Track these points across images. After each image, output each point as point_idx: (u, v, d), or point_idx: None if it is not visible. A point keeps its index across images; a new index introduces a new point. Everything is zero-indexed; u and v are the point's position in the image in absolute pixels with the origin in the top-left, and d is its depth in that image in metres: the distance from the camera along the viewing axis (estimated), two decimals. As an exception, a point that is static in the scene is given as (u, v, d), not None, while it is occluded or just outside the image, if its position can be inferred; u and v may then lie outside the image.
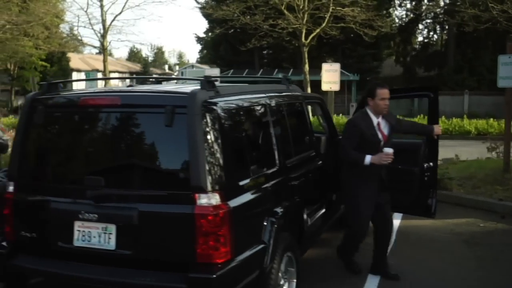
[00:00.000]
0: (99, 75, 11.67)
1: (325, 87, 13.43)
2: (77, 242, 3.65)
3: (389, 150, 4.74)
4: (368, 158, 4.77)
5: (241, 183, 3.74)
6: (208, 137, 3.46)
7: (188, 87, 3.83)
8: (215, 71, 9.19)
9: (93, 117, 3.77)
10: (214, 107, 3.59)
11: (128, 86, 4.15)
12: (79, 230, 3.64)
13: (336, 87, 10.84)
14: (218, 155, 3.50)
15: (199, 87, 3.62)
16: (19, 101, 46.36)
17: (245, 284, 3.66)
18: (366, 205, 4.99)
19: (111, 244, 3.56)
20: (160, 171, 3.61)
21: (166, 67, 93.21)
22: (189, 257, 3.41)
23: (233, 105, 3.90)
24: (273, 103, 4.51)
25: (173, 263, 3.49)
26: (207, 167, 3.39)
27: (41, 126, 3.89)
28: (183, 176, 3.48)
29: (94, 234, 3.60)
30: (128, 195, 3.55)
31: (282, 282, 4.18)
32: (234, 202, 3.54)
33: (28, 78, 41.24)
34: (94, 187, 3.58)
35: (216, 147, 3.50)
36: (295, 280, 4.46)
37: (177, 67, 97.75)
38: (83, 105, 3.74)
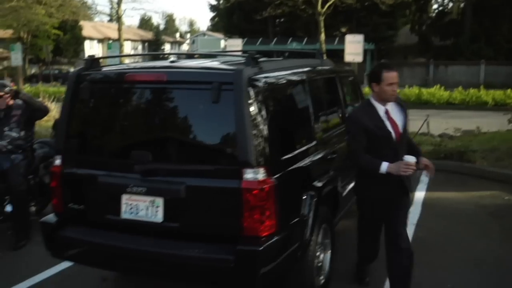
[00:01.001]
0: (115, 45, 11.46)
1: (348, 58, 13.40)
2: (124, 215, 3.76)
3: (410, 160, 3.82)
4: (384, 166, 3.86)
5: (284, 158, 3.82)
6: (254, 113, 3.51)
7: (232, 64, 3.88)
8: (237, 42, 9.14)
9: (139, 92, 3.83)
10: (259, 83, 3.64)
11: (171, 62, 4.19)
12: (126, 203, 3.75)
13: (359, 58, 10.80)
14: (263, 130, 3.57)
15: (244, 64, 3.67)
16: (32, 70, 46.58)
17: (286, 255, 3.77)
18: (374, 218, 4.31)
19: (158, 217, 3.66)
20: (206, 147, 3.68)
21: (177, 35, 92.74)
22: (236, 230, 3.51)
23: (276, 81, 3.95)
24: (311, 78, 4.55)
25: (219, 236, 3.59)
26: (253, 143, 3.46)
27: (86, 101, 3.97)
28: (229, 151, 3.55)
29: (142, 207, 3.71)
30: (175, 170, 3.64)
31: (318, 253, 4.30)
32: (278, 177, 3.62)
33: (42, 46, 41.30)
34: (142, 161, 3.66)
35: (261, 123, 3.56)
36: (330, 251, 4.58)
37: (188, 35, 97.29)
38: (129, 80, 3.80)
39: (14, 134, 5.71)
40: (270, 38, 39.03)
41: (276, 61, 4.55)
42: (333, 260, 4.62)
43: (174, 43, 79.18)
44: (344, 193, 5.07)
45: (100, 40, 59.14)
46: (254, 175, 3.46)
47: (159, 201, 3.66)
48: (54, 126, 6.89)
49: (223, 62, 4.11)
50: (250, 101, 3.50)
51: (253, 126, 3.48)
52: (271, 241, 3.54)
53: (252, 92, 3.53)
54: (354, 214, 4.70)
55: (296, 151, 4.04)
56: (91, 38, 56.62)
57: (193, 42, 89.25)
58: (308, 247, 4.03)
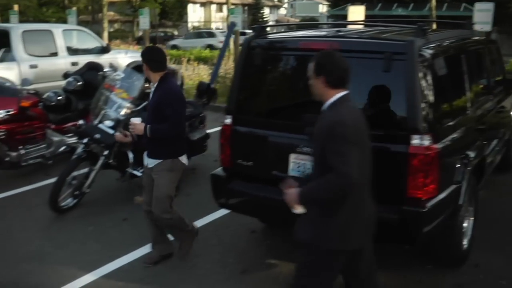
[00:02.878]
0: (237, 10, 11.67)
1: (477, 27, 12.99)
2: (292, 172, 4.11)
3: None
4: None
5: (445, 126, 4.00)
6: (423, 82, 3.71)
7: (400, 34, 4.07)
8: (359, 9, 9.14)
9: (310, 60, 4.11)
10: (427, 54, 3.82)
11: (337, 31, 4.43)
12: (294, 162, 4.09)
13: (488, 27, 10.45)
14: (430, 99, 3.77)
15: (414, 35, 3.85)
16: (140, 32, 48.54)
17: (442, 219, 3.98)
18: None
19: (325, 175, 3.97)
20: (375, 113, 3.92)
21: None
22: (400, 192, 3.76)
23: (440, 52, 4.10)
24: (467, 49, 4.65)
25: (383, 196, 3.85)
26: (421, 110, 3.67)
27: (258, 66, 4.32)
28: (399, 118, 3.79)
29: (309, 166, 4.03)
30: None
31: (465, 219, 4.48)
32: (440, 144, 3.81)
33: (150, 9, 42.81)
34: (311, 124, 3.96)
35: (428, 92, 3.76)
36: (473, 218, 4.73)
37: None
38: (301, 48, 4.09)
39: None
40: (374, 4, 38.10)
41: (439, 32, 4.68)
42: (475, 227, 4.78)
43: (273, 7, 79.08)
44: (489, 161, 5.17)
45: (203, 4, 60.31)
46: (421, 141, 3.67)
47: (328, 160, 3.95)
48: (198, 87, 7.37)
49: (386, 33, 4.29)
50: (420, 71, 3.69)
51: (422, 95, 3.69)
52: (432, 203, 3.77)
53: (421, 62, 3.72)
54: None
55: (455, 120, 4.19)
56: (194, 2, 57.83)
57: (291, 6, 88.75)
58: (459, 212, 4.22)
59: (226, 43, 7.89)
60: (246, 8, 68.01)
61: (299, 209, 3.01)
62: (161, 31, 45.65)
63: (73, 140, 7.31)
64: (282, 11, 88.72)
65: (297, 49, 4.14)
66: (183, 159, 4.47)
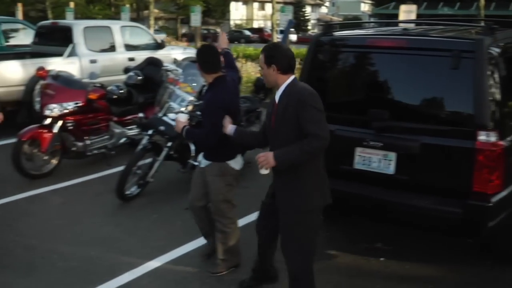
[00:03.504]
0: (288, 8, 11.81)
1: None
2: (357, 165, 4.25)
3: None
4: None
5: (510, 123, 4.07)
6: (490, 80, 3.80)
7: (468, 33, 4.16)
8: (412, 8, 9.12)
9: (378, 57, 4.25)
10: (495, 52, 3.91)
11: (403, 29, 4.55)
12: (360, 155, 4.23)
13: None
14: (497, 97, 3.86)
15: (483, 34, 3.94)
16: (183, 29, 49.24)
17: (506, 214, 4.06)
18: None
19: (390, 169, 4.11)
20: (443, 109, 4.04)
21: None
22: (464, 186, 3.86)
23: (506, 50, 4.17)
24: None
25: (446, 190, 3.96)
26: (489, 107, 3.76)
27: (325, 62, 4.48)
28: (466, 114, 3.89)
29: (374, 160, 4.17)
30: (411, 128, 4.04)
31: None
32: (505, 141, 3.89)
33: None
34: (379, 119, 4.11)
35: (495, 90, 3.85)
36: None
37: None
38: (370, 45, 4.23)
39: None
40: (419, 2, 37.65)
41: (506, 31, 4.73)
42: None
43: (315, 5, 78.85)
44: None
45: (245, 2, 60.72)
46: (487, 137, 3.76)
47: (392, 155, 4.09)
48: (255, 83, 7.57)
49: (451, 31, 4.38)
50: (488, 69, 3.78)
51: (489, 92, 3.78)
52: (497, 199, 3.85)
53: (489, 60, 3.81)
54: None
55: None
56: (237, 0, 58.32)
57: (333, 4, 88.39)
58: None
59: (284, 39, 8.06)
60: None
61: (265, 171, 3.39)
62: (204, 29, 46.24)
63: (133, 132, 7.63)
64: (323, 9, 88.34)
65: (364, 46, 4.28)
66: (233, 163, 4.25)
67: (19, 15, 18.92)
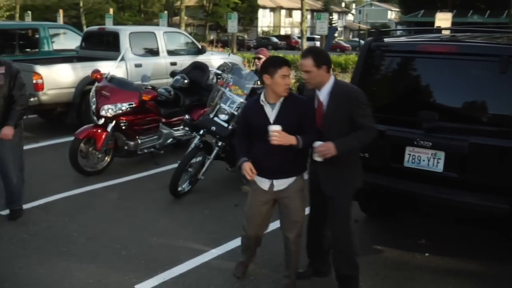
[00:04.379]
0: (324, 15, 12.23)
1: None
2: (407, 163, 4.50)
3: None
4: None
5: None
6: (537, 83, 4.04)
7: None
8: (447, 16, 9.32)
9: (429, 61, 4.51)
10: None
11: (452, 36, 4.82)
12: (409, 154, 4.49)
13: None
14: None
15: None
16: (211, 36, 49.93)
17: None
18: None
19: (439, 167, 4.35)
20: (490, 110, 4.28)
21: (343, 4, 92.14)
22: (511, 183, 4.09)
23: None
24: None
25: (493, 187, 4.19)
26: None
27: (376, 66, 4.76)
28: (512, 115, 4.13)
29: (424, 158, 4.42)
30: (460, 129, 4.28)
31: None
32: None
33: (222, 14, 44.13)
34: (429, 120, 4.36)
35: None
36: None
37: (353, 5, 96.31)
38: (421, 51, 4.50)
39: None
40: (449, 9, 37.59)
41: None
42: None
43: (342, 13, 79.06)
44: None
45: (272, 9, 61.28)
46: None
47: (441, 154, 4.34)
48: (298, 87, 7.86)
49: (498, 38, 4.63)
50: (535, 73, 4.02)
51: (536, 95, 4.01)
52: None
53: (536, 65, 4.05)
54: None
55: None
56: (264, 7, 58.85)
57: (359, 12, 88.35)
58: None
59: (329, 45, 8.37)
60: (315, 13, 68.42)
61: (319, 159, 3.76)
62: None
63: (179, 133, 7.99)
64: (350, 17, 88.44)
65: (415, 52, 4.55)
66: (305, 174, 4.12)
67: (60, 21, 19.58)
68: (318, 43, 45.92)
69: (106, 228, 5.53)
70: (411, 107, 4.57)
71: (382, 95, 4.82)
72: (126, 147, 7.37)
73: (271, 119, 3.80)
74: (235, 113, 6.24)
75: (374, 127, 3.81)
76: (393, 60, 4.76)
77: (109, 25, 16.49)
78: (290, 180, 3.95)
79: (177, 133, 8.01)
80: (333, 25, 14.07)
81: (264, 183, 3.99)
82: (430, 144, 4.35)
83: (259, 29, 57.71)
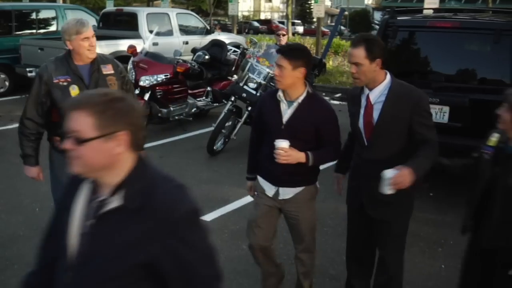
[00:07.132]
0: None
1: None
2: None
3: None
4: None
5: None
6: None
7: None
8: (434, 0, 10.09)
9: (436, 34, 5.60)
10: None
11: (454, 14, 5.93)
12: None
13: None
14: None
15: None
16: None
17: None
18: None
19: (445, 119, 5.45)
20: (485, 73, 5.39)
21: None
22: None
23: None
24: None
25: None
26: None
27: (393, 39, 5.82)
28: (501, 77, 5.24)
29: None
30: (461, 88, 5.39)
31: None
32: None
33: (205, -1, 44.70)
34: (436, 81, 5.46)
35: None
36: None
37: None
38: (430, 26, 5.59)
39: None
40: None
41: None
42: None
43: (319, -2, 79.92)
44: None
45: None
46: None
47: (446, 108, 5.44)
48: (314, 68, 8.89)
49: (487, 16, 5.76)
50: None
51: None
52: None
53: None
54: None
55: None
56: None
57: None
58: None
59: (337, 26, 9.40)
60: (294, -1, 69.26)
61: (391, 192, 2.88)
62: (215, 19, 47.45)
63: (202, 103, 9.01)
64: (327, 2, 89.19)
65: (425, 27, 5.64)
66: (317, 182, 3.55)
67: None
68: (301, 28, 46.97)
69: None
70: (421, 71, 5.67)
71: (397, 62, 5.89)
72: (160, 114, 8.32)
73: (284, 119, 3.24)
74: (262, 82, 7.25)
75: (437, 142, 3.08)
76: (406, 34, 5.83)
77: (110, 6, 17.21)
78: (297, 189, 3.39)
79: (200, 103, 9.01)
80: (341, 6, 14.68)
81: (269, 189, 3.45)
82: (438, 100, 5.43)
83: (240, 14, 58.36)
